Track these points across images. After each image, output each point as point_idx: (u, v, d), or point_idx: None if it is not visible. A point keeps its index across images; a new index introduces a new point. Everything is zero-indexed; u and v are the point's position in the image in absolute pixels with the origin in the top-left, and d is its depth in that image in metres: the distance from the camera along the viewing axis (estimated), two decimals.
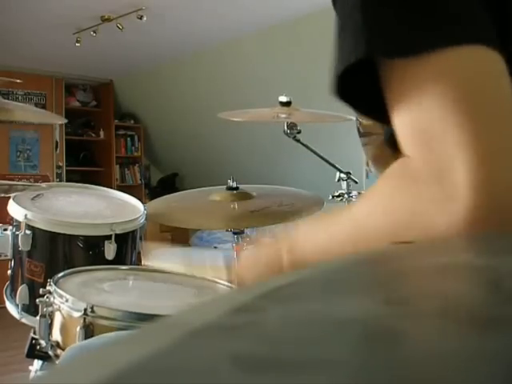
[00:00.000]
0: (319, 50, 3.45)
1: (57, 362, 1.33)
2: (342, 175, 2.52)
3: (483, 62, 0.47)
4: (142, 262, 1.43)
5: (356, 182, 2.32)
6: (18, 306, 1.78)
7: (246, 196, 2.00)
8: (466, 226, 0.45)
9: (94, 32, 4.82)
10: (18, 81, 2.66)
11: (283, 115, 2.14)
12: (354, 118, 0.75)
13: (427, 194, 0.47)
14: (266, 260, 0.70)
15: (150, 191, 7.18)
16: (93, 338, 1.27)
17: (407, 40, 0.47)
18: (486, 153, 0.45)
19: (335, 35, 0.53)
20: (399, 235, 0.49)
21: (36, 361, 1.56)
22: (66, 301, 1.36)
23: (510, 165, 0.46)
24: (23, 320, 1.75)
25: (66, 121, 2.62)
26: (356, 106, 0.55)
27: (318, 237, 0.62)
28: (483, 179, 0.44)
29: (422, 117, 0.47)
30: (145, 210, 1.96)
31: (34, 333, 1.43)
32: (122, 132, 7.05)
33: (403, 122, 0.49)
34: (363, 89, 0.54)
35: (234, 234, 1.97)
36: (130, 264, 1.87)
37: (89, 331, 1.29)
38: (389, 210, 0.51)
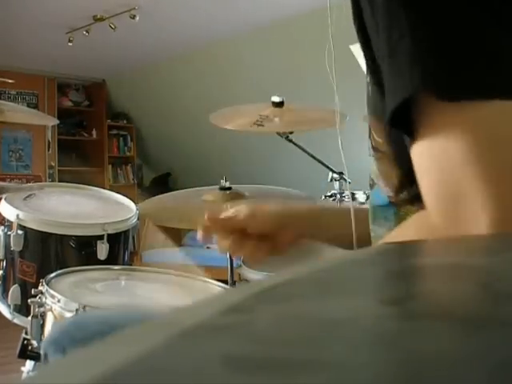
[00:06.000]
0: (312, 50, 3.45)
1: (62, 322, 1.30)
2: (335, 175, 2.52)
3: None
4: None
5: (349, 182, 2.33)
6: (9, 306, 1.77)
7: (238, 196, 2.00)
8: None
9: (87, 32, 4.80)
10: (10, 81, 2.65)
11: (276, 118, 2.14)
12: (368, 128, 0.72)
13: None
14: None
15: (142, 191, 7.16)
16: (87, 312, 1.26)
17: (458, 85, 0.45)
18: (503, 218, 0.44)
19: (382, 57, 0.51)
20: None
21: (28, 361, 1.55)
22: (57, 301, 1.35)
23: None
24: (15, 320, 1.74)
25: (57, 122, 2.61)
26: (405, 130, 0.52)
27: None
28: None
29: (445, 168, 0.47)
30: (137, 209, 1.96)
31: (26, 333, 1.43)
32: (114, 132, 7.03)
33: (424, 163, 0.49)
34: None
35: None
36: (123, 264, 1.87)
37: None
38: None
